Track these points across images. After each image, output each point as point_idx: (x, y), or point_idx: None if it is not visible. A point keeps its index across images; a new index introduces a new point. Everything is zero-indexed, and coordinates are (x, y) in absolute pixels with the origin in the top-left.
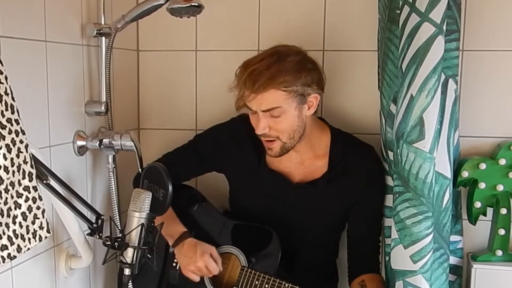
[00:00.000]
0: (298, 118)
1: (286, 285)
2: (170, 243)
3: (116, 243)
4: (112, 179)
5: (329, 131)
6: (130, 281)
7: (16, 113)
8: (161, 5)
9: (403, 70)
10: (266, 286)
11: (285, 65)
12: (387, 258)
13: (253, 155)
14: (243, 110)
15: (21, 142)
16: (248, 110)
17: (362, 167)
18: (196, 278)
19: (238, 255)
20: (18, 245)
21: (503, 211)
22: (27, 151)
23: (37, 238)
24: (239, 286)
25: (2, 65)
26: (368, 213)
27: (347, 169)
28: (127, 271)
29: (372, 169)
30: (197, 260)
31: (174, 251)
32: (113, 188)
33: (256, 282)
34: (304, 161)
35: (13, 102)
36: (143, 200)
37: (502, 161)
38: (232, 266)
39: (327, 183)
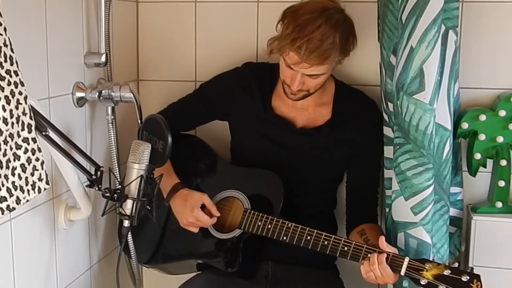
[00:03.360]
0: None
1: (289, 224)
2: (165, 196)
3: (115, 195)
4: (111, 131)
5: (334, 81)
6: (129, 232)
7: (15, 64)
8: None
9: (403, 21)
10: (269, 226)
11: (335, 38)
12: (387, 210)
13: (259, 100)
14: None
15: (20, 93)
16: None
17: (365, 117)
18: (194, 230)
19: (240, 198)
20: (17, 197)
21: (503, 162)
22: (26, 103)
23: (36, 189)
24: (242, 228)
25: (1, 16)
26: (368, 164)
27: (350, 118)
28: (126, 223)
29: (374, 120)
30: (188, 216)
31: (168, 205)
32: (112, 139)
33: (259, 223)
34: (309, 107)
35: (12, 54)
36: (142, 152)
37: (502, 113)
38: (235, 209)
39: (330, 130)
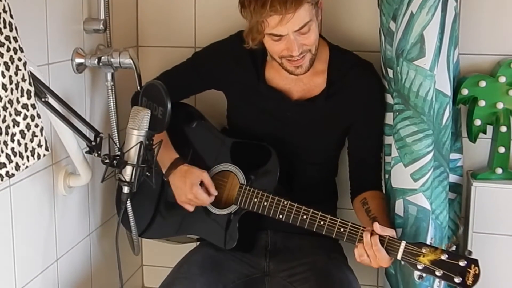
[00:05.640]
0: (318, 26)
1: (285, 202)
2: (164, 171)
3: (114, 161)
4: (111, 97)
5: (328, 47)
6: (128, 199)
7: (14, 30)
8: None
9: None
10: (265, 203)
11: None
12: (387, 176)
13: (252, 72)
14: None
15: (20, 59)
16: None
17: (361, 83)
18: (190, 208)
19: (236, 173)
20: (17, 163)
21: (503, 129)
22: (25, 69)
23: (35, 156)
24: (238, 204)
25: None
26: (369, 130)
27: (346, 86)
28: (125, 189)
29: (371, 85)
30: (187, 192)
31: (167, 180)
32: (112, 105)
33: (255, 200)
34: (303, 78)
35: (11, 20)
36: (141, 118)
37: (502, 79)
38: (231, 184)
39: (326, 99)
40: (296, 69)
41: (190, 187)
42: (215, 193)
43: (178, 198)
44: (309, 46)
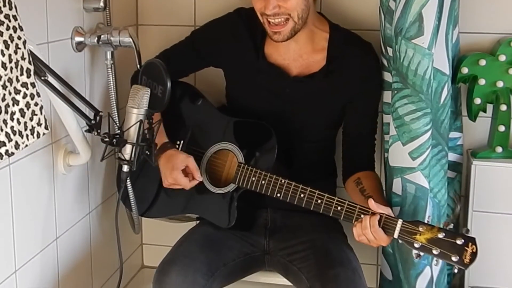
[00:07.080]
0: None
1: (283, 181)
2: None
3: (114, 140)
4: (111, 76)
5: (328, 26)
6: (128, 177)
7: (14, 9)
8: None
9: None
10: (263, 182)
11: None
12: (386, 155)
13: (251, 49)
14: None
15: (19, 38)
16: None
17: (360, 63)
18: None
19: (235, 151)
20: (16, 142)
21: (503, 107)
22: (25, 47)
23: (35, 134)
24: (236, 183)
25: None
26: (365, 109)
27: (345, 64)
28: (125, 168)
29: (370, 65)
30: (168, 176)
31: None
32: (112, 84)
33: (253, 179)
34: (303, 54)
35: None
36: (141, 97)
37: (502, 57)
38: (230, 163)
39: (325, 76)
40: (274, 34)
41: (171, 171)
42: (200, 178)
43: (163, 182)
44: (288, 9)
